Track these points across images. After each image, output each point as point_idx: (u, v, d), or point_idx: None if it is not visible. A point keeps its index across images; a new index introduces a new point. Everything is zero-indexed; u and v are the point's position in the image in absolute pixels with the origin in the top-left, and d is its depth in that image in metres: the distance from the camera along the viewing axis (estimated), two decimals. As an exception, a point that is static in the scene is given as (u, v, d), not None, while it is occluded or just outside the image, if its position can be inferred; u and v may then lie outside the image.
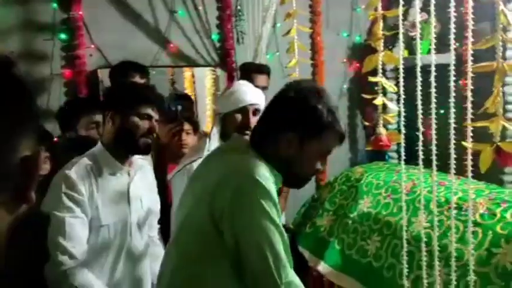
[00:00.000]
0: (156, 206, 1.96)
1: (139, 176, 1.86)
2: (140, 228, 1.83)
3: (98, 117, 2.20)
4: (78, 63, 2.83)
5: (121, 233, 1.74)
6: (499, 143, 1.34)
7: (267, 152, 1.33)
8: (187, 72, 5.41)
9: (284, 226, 2.32)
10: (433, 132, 1.81)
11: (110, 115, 1.75)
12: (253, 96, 2.04)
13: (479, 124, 1.37)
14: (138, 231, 1.81)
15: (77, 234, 1.64)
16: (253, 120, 1.93)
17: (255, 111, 2.00)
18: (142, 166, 1.91)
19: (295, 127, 1.31)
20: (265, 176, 1.25)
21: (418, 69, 1.84)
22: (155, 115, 1.78)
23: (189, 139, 2.54)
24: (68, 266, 1.60)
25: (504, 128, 1.39)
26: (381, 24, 1.75)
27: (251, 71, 2.84)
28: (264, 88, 2.75)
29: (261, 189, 1.21)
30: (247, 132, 1.86)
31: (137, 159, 1.87)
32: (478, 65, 1.32)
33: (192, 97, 3.63)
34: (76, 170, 1.68)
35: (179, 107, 2.28)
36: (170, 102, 3.45)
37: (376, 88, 2.05)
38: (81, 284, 1.61)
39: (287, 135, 1.31)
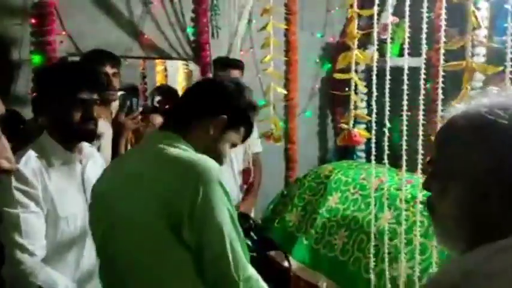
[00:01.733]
0: None
1: (91, 164, 1.78)
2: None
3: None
4: (48, 50, 2.75)
5: (81, 223, 1.67)
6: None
7: (191, 137, 1.34)
8: (159, 66, 5.36)
9: (252, 221, 2.35)
10: (404, 131, 1.87)
11: (43, 103, 1.66)
12: None
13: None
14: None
15: (33, 229, 1.56)
16: None
17: None
18: (92, 153, 1.83)
19: (228, 112, 1.35)
20: (215, 168, 1.23)
21: (388, 68, 1.90)
22: (90, 96, 1.66)
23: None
24: (28, 264, 1.53)
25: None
26: (356, 22, 1.80)
27: (225, 66, 2.84)
28: None
29: (218, 188, 1.20)
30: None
31: (86, 146, 1.79)
32: (449, 63, 1.38)
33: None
34: (25, 162, 1.58)
35: (134, 100, 2.23)
36: (153, 94, 3.42)
37: (346, 89, 2.10)
38: (44, 281, 1.54)
39: (217, 118, 1.34)
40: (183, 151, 1.28)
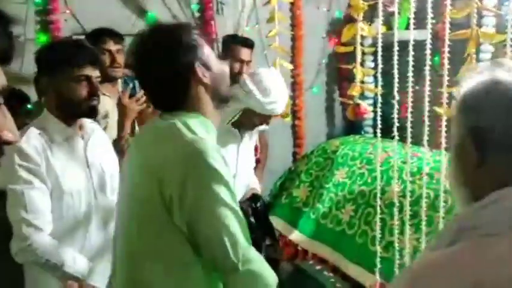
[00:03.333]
0: (116, 167, 1.88)
1: (94, 140, 1.80)
2: (105, 191, 1.78)
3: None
4: (53, 28, 2.76)
5: (86, 199, 1.70)
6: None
7: (186, 104, 1.28)
8: (164, 45, 5.34)
9: (258, 197, 2.36)
10: (409, 104, 1.86)
11: (45, 81, 1.66)
12: (283, 105, 2.17)
13: (452, 89, 1.41)
14: (103, 195, 1.77)
15: (38, 205, 1.59)
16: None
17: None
18: (94, 129, 1.84)
19: (191, 66, 1.26)
20: (211, 147, 1.20)
21: (396, 42, 1.88)
22: (93, 73, 1.67)
23: None
24: (34, 238, 1.56)
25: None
26: (361, -7, 1.77)
27: (235, 44, 2.81)
28: (248, 62, 2.74)
29: (209, 170, 1.17)
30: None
31: (87, 122, 1.80)
32: (455, 32, 1.36)
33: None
34: (27, 139, 1.60)
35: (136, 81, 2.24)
36: None
37: (353, 64, 2.08)
38: (51, 255, 1.57)
39: (195, 67, 1.26)
40: (187, 129, 1.23)
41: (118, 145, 2.01)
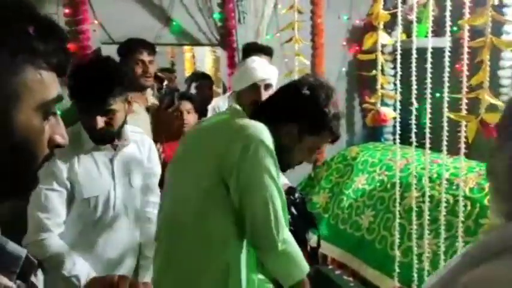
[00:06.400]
0: (156, 168, 1.93)
1: (131, 150, 1.82)
2: (126, 205, 1.80)
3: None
4: (82, 38, 2.87)
5: (103, 209, 1.73)
6: (483, 115, 1.41)
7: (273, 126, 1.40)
8: (187, 53, 5.46)
9: (294, 189, 2.41)
10: (428, 111, 1.88)
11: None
12: (264, 71, 2.09)
13: (470, 95, 1.44)
14: (124, 207, 1.79)
15: (53, 206, 1.65)
16: (265, 95, 1.98)
17: (267, 86, 2.06)
18: (136, 139, 1.86)
19: (299, 121, 1.40)
20: (267, 136, 1.33)
21: (414, 48, 1.91)
22: (114, 106, 1.66)
23: (190, 118, 2.59)
24: (42, 237, 1.63)
25: (493, 104, 1.46)
26: (381, 2, 1.81)
27: (255, 51, 2.88)
28: None
29: (265, 149, 1.29)
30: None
31: (131, 132, 1.83)
32: (473, 41, 1.39)
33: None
34: None
35: (175, 94, 2.32)
36: (188, 81, 3.52)
37: (374, 72, 2.11)
38: (55, 253, 1.64)
39: (289, 125, 1.39)
40: (245, 119, 1.38)
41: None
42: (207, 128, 1.52)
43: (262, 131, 1.32)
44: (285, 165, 1.46)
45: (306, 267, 1.37)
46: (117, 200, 1.76)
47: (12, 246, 0.59)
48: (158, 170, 1.96)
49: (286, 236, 1.33)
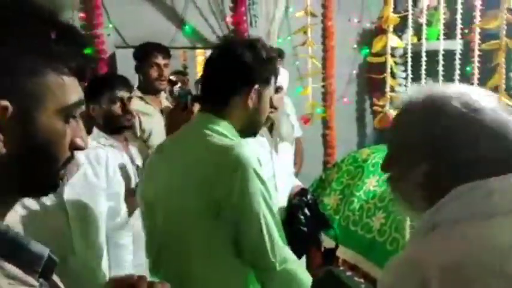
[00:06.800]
0: (117, 187, 1.81)
1: (78, 178, 1.65)
2: (83, 237, 1.62)
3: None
4: (97, 42, 2.92)
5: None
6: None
7: (232, 115, 1.36)
8: (199, 57, 5.49)
9: (306, 191, 2.44)
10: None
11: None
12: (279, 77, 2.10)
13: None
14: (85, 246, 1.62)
15: None
16: (276, 98, 1.92)
17: (277, 89, 2.08)
18: (90, 157, 1.70)
19: (255, 79, 1.35)
20: (251, 155, 1.28)
21: (424, 51, 1.93)
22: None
23: None
24: None
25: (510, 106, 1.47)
26: (391, 5, 1.83)
27: None
28: None
29: (251, 174, 1.25)
30: (272, 110, 1.91)
31: (79, 157, 1.63)
32: (487, 44, 1.41)
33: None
34: None
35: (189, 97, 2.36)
36: (197, 83, 3.56)
37: (384, 75, 2.13)
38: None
39: (250, 90, 1.34)
40: (223, 137, 1.32)
41: None
42: (180, 142, 1.45)
43: (245, 154, 1.26)
44: (256, 128, 1.44)
45: (307, 282, 1.35)
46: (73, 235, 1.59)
47: (35, 245, 0.61)
48: (119, 187, 1.84)
49: (284, 255, 1.31)
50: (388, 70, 2.01)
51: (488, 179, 0.81)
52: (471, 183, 0.82)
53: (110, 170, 1.77)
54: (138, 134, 2.47)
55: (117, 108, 2.01)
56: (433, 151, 0.86)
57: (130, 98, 2.08)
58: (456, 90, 0.88)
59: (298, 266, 1.37)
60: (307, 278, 1.35)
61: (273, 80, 1.42)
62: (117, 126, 2.03)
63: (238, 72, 1.34)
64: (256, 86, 1.35)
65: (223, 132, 1.34)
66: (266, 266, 1.30)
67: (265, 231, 1.27)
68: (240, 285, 1.35)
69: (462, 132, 0.83)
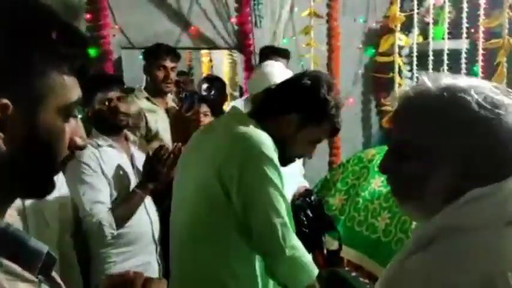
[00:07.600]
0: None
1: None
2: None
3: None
4: (103, 43, 2.94)
5: None
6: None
7: (267, 127, 1.40)
8: (205, 57, 5.51)
9: (311, 192, 2.43)
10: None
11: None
12: (279, 75, 2.10)
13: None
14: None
15: None
16: None
17: None
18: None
19: (299, 110, 1.39)
20: (269, 145, 1.32)
21: (431, 51, 1.92)
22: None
23: (207, 120, 2.62)
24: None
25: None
26: (398, 4, 1.83)
27: (271, 55, 2.91)
28: None
29: (265, 159, 1.29)
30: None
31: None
32: (489, 42, 1.40)
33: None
34: None
35: (195, 97, 2.36)
36: (200, 83, 3.57)
37: (392, 74, 2.13)
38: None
39: (290, 115, 1.39)
40: (246, 127, 1.36)
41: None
42: (208, 131, 1.53)
43: (262, 141, 1.31)
44: (286, 159, 1.45)
45: (314, 271, 1.36)
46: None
47: (34, 242, 0.61)
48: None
49: (294, 242, 1.33)
50: (396, 69, 2.00)
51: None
52: (487, 188, 0.77)
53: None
54: (144, 133, 2.48)
55: (106, 109, 1.97)
56: (462, 153, 0.79)
57: (120, 98, 2.00)
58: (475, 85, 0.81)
59: (306, 255, 1.38)
60: (313, 268, 1.36)
61: (324, 127, 1.44)
62: (110, 126, 2.00)
63: (285, 95, 1.42)
64: (294, 115, 1.39)
65: (251, 126, 1.38)
66: (275, 250, 1.31)
67: (275, 215, 1.29)
68: (249, 275, 1.37)
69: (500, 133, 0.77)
